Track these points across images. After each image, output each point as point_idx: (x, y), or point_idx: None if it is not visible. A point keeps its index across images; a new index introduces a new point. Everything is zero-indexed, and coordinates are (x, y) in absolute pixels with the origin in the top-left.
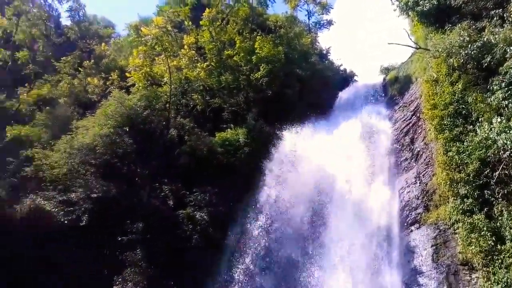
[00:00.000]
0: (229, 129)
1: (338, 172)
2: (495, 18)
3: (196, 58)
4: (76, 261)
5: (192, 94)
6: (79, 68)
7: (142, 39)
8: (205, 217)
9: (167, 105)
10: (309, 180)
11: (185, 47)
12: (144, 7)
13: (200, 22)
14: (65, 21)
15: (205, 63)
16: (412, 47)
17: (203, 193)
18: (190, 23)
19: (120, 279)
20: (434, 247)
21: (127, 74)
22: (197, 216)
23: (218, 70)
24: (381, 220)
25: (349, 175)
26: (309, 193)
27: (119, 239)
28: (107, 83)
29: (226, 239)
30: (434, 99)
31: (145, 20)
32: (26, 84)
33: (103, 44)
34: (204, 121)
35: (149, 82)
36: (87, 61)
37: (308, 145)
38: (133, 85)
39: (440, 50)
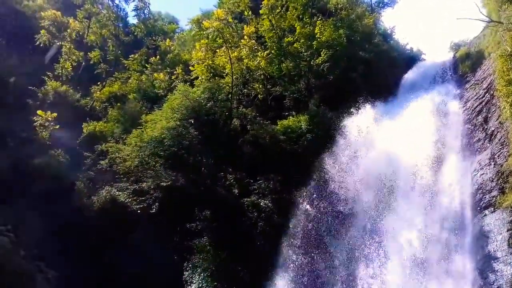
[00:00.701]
0: (291, 117)
1: (406, 155)
2: None
3: (256, 47)
4: (148, 247)
5: (254, 84)
6: (146, 65)
7: (204, 32)
8: (269, 204)
9: (229, 95)
10: (376, 164)
11: (245, 37)
12: (206, 0)
13: (260, 11)
14: (132, 19)
15: (266, 52)
16: (483, 20)
17: (267, 180)
18: (250, 12)
19: (190, 265)
20: (510, 231)
21: (191, 68)
22: (261, 204)
23: (278, 58)
24: (452, 204)
25: (418, 159)
26: (375, 178)
27: (188, 226)
28: (172, 78)
29: (290, 224)
30: (509, 75)
31: (206, 13)
32: (98, 83)
33: (167, 40)
34: (266, 110)
35: (211, 74)
36: (153, 57)
37: (373, 129)
38: (197, 78)
39: None
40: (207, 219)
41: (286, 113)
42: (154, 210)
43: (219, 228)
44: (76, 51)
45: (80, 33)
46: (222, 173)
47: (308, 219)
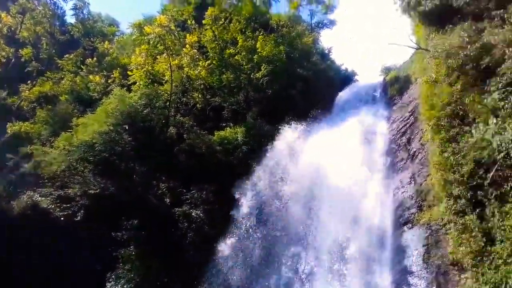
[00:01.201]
0: (228, 128)
1: (335, 171)
2: (495, 19)
3: (198, 57)
4: (70, 256)
5: (193, 93)
6: (82, 66)
7: (145, 37)
8: (201, 214)
9: (168, 103)
10: (305, 178)
11: (187, 46)
12: (149, 5)
13: (203, 21)
14: (70, 19)
15: (207, 62)
16: (412, 47)
17: (200, 191)
18: (193, 22)
19: (113, 276)
20: (426, 247)
21: (129, 73)
22: (193, 214)
23: (219, 69)
24: (375, 219)
25: (346, 175)
26: (304, 191)
27: (113, 235)
28: (109, 81)
29: (221, 236)
30: (432, 100)
31: (149, 18)
32: (28, 81)
33: (106, 42)
34: (204, 120)
35: (150, 81)
36: (90, 59)
37: (306, 144)
38: (134, 83)
39: (439, 50)
40: (135, 229)
41: (224, 124)
42: (79, 218)
43: (147, 238)
44: (6, 46)
45: (12, 29)
46: (155, 182)
47: (239, 231)
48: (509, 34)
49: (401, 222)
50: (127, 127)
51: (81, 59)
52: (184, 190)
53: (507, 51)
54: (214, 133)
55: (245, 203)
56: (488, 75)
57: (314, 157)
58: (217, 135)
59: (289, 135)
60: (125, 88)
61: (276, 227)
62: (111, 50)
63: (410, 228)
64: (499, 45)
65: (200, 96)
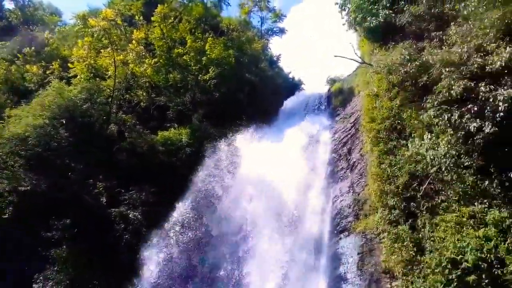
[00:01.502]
0: (172, 129)
1: (277, 178)
2: (435, 40)
3: (144, 54)
4: None
5: (137, 90)
6: (19, 55)
7: (89, 30)
8: (138, 216)
9: (110, 99)
10: (247, 183)
11: (134, 42)
12: None
13: (152, 18)
14: (8, 4)
15: (153, 60)
16: (356, 61)
17: (140, 191)
18: (141, 18)
19: (41, 277)
20: (360, 255)
21: (70, 65)
22: (130, 215)
23: (166, 67)
24: (314, 227)
25: (288, 182)
26: (245, 197)
27: (44, 235)
28: (47, 72)
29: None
30: (373, 113)
31: (94, 10)
32: None
33: (46, 31)
34: (148, 119)
35: (92, 75)
36: (28, 48)
37: (251, 149)
38: (75, 76)
39: (382, 66)
40: (67, 228)
41: (168, 125)
42: (7, 215)
43: (80, 238)
44: None
45: None
46: (91, 180)
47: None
48: (446, 55)
49: (338, 230)
50: (64, 122)
51: (18, 47)
52: (123, 190)
53: (443, 71)
54: (157, 133)
55: (182, 207)
56: (425, 93)
57: (257, 162)
58: (160, 135)
59: (234, 138)
60: (64, 81)
61: (211, 233)
62: (51, 40)
63: (346, 236)
64: (437, 65)
65: (144, 94)
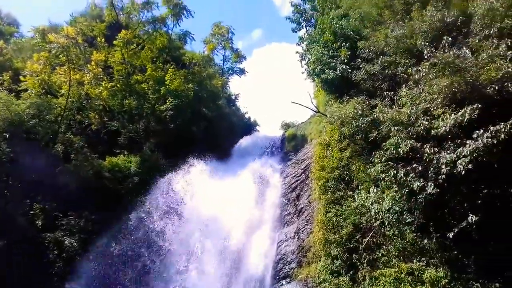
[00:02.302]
0: (122, 155)
1: (224, 216)
2: (386, 99)
3: (102, 76)
4: None
5: (90, 112)
6: None
7: (47, 45)
8: (74, 244)
9: (59, 118)
10: (194, 219)
11: (93, 63)
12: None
13: (114, 42)
14: None
15: (110, 84)
16: (312, 110)
17: (79, 218)
18: (103, 40)
19: None
20: None
21: (22, 78)
22: (66, 242)
23: (123, 93)
24: (256, 270)
25: (235, 221)
26: (191, 233)
27: None
28: None
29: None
30: (323, 161)
31: (54, 26)
32: None
33: (1, 41)
34: (97, 142)
35: (44, 91)
36: None
37: (200, 184)
38: (26, 90)
39: (335, 117)
40: None
41: (118, 151)
42: None
43: (8, 262)
44: None
45: None
46: (28, 200)
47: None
48: (396, 115)
49: (281, 275)
50: (8, 136)
51: None
52: (61, 215)
53: (392, 129)
54: (105, 158)
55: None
56: (374, 148)
57: (206, 199)
58: (108, 161)
59: (185, 172)
60: (13, 93)
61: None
62: (5, 51)
63: (288, 283)
64: (387, 123)
65: (97, 117)
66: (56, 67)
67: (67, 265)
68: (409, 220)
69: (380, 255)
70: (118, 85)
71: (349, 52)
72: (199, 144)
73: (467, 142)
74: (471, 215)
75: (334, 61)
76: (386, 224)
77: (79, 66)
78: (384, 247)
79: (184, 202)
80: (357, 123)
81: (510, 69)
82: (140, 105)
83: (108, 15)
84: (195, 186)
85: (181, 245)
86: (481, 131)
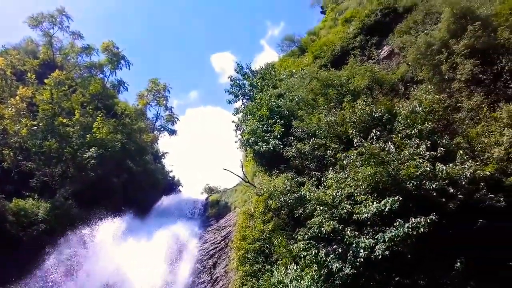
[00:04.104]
0: (31, 199)
1: (136, 277)
2: (313, 178)
3: (24, 112)
4: None
5: (4, 148)
6: None
7: None
8: None
9: None
10: (103, 279)
11: (18, 97)
12: None
13: (45, 80)
14: None
15: (31, 122)
16: (243, 180)
17: None
18: (33, 76)
19: None
20: None
21: None
22: None
23: (44, 133)
24: None
25: (146, 285)
26: None
27: None
28: None
29: None
30: (245, 231)
31: None
32: None
33: None
34: (6, 181)
35: None
36: None
37: (112, 243)
38: None
39: (264, 189)
40: None
41: (27, 193)
42: None
43: None
44: None
45: None
46: None
47: None
48: (322, 195)
49: None
50: None
51: None
52: None
53: (317, 209)
54: (12, 200)
55: None
56: (297, 224)
57: (118, 258)
58: (15, 203)
59: (97, 227)
60: None
61: None
62: None
63: None
64: (313, 201)
65: (11, 154)
66: None
67: None
68: None
69: None
70: (41, 124)
71: (283, 129)
72: (117, 197)
73: (387, 229)
74: None
75: (267, 135)
76: None
77: (2, 98)
78: None
79: (91, 258)
80: (285, 198)
81: (428, 168)
82: (61, 148)
83: (44, 53)
84: (106, 243)
85: None
86: (402, 221)
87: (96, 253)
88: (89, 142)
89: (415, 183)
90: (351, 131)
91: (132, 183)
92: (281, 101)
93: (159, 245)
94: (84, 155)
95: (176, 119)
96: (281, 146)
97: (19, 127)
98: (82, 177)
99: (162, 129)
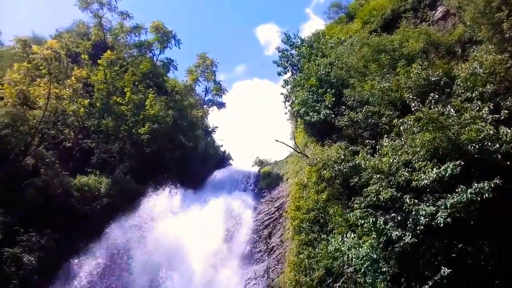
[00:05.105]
0: (93, 175)
1: (193, 247)
2: (368, 147)
3: (81, 92)
4: None
5: (65, 128)
6: None
7: (30, 56)
8: (33, 261)
9: (33, 130)
10: (162, 249)
11: (73, 78)
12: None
13: (98, 61)
14: None
15: (88, 101)
16: (295, 150)
17: (41, 235)
18: (87, 57)
19: None
20: None
21: None
22: (24, 259)
23: (101, 112)
24: None
25: (202, 255)
26: (156, 265)
27: None
28: None
29: None
30: (299, 202)
31: (38, 39)
32: None
33: None
34: (69, 160)
35: (21, 101)
36: None
37: (171, 213)
38: (2, 98)
39: (318, 159)
40: None
41: (89, 170)
42: None
43: None
44: None
45: None
46: None
47: None
48: (378, 163)
49: None
50: None
51: None
52: (22, 230)
53: (374, 177)
54: (76, 176)
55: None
56: (352, 193)
57: (175, 228)
58: (78, 179)
59: (157, 198)
60: None
61: None
62: None
63: None
64: (368, 170)
65: (71, 133)
66: (36, 78)
67: (22, 284)
68: (384, 269)
69: None
70: (97, 104)
71: (334, 98)
72: (172, 172)
73: (448, 196)
74: (444, 268)
75: (318, 105)
76: (361, 271)
77: (59, 80)
78: None
79: (151, 230)
80: (339, 167)
81: (491, 132)
82: (118, 126)
83: (95, 34)
84: (164, 213)
85: (146, 274)
86: (464, 187)
87: (156, 224)
88: (142, 119)
89: (477, 146)
90: (407, 95)
91: (185, 158)
92: (330, 69)
93: (215, 217)
94: (139, 130)
95: (224, 91)
96: (333, 115)
97: (76, 106)
98: (138, 153)
99: (211, 103)
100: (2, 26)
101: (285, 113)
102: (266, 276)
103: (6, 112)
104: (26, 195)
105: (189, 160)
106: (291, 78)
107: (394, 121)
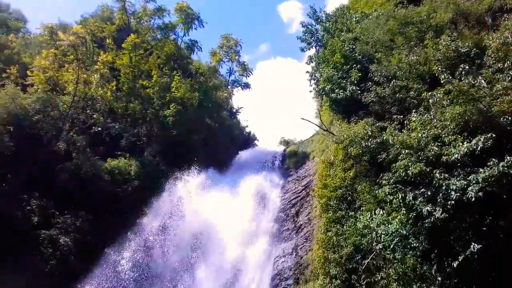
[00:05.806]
0: (123, 158)
1: (222, 227)
2: (395, 122)
3: (108, 76)
4: None
5: (94, 113)
6: None
7: (57, 42)
8: (69, 243)
9: (64, 116)
10: (192, 229)
11: (100, 63)
12: (69, 15)
13: (123, 45)
14: None
15: (115, 85)
16: (321, 128)
17: (75, 217)
18: (112, 42)
19: None
20: None
21: (29, 73)
22: (60, 241)
23: (127, 96)
24: (252, 284)
25: (232, 233)
26: (188, 244)
27: None
28: (4, 75)
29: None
30: (326, 180)
31: (63, 25)
32: None
33: (11, 35)
34: (99, 143)
35: (50, 87)
36: None
37: (200, 194)
38: (32, 85)
39: (344, 136)
40: None
41: (119, 153)
42: None
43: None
44: None
45: None
46: (26, 195)
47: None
48: (406, 138)
49: None
50: (12, 129)
51: None
52: (57, 213)
53: (402, 152)
54: (106, 159)
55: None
56: (379, 170)
57: (205, 209)
58: (109, 163)
59: (185, 180)
60: (19, 87)
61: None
62: (14, 44)
63: None
64: (396, 145)
65: (101, 118)
66: (64, 65)
67: (59, 264)
68: (414, 245)
69: (379, 278)
70: (124, 88)
71: (360, 74)
72: (199, 153)
73: (479, 170)
74: (474, 243)
75: (344, 81)
76: (391, 247)
77: (87, 65)
78: (384, 270)
79: (183, 210)
80: (366, 144)
81: None
82: (144, 110)
83: (119, 19)
84: (194, 195)
85: (178, 253)
86: (496, 160)
87: (187, 205)
88: (168, 102)
89: (509, 118)
90: (436, 68)
91: (211, 140)
92: (355, 45)
93: (242, 196)
94: (165, 113)
95: (250, 72)
96: (359, 92)
97: (104, 91)
98: (165, 136)
99: (235, 84)
100: (29, 14)
101: (310, 91)
102: (294, 253)
103: (37, 98)
104: (60, 179)
105: (215, 142)
106: (315, 55)
107: (422, 94)
